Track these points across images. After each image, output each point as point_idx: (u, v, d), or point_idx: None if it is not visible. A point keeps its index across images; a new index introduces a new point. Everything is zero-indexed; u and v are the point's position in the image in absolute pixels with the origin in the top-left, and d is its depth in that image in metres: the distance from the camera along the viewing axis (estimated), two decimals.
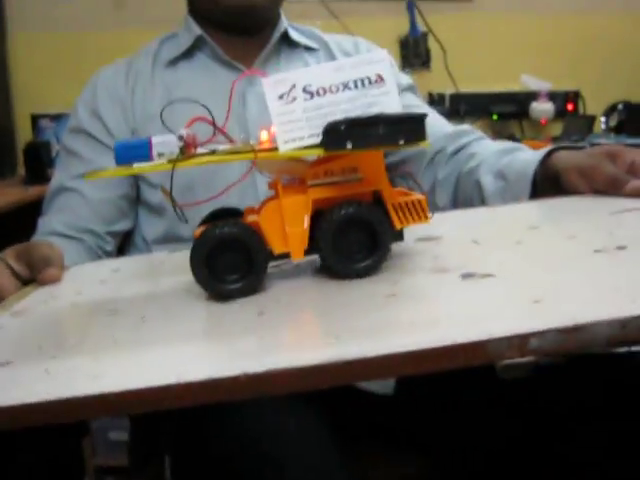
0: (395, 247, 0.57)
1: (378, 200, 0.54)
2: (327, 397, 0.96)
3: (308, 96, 0.52)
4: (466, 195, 0.96)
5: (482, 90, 2.25)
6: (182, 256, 0.77)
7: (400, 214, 0.54)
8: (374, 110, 0.52)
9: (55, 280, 0.69)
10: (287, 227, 0.54)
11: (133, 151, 0.50)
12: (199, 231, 0.53)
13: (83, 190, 0.97)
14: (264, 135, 0.53)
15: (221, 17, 0.99)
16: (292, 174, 0.56)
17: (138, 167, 0.50)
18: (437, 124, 1.05)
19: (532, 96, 2.34)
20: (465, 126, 1.03)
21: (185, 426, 0.95)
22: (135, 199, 1.01)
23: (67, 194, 0.98)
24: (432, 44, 2.03)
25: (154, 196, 0.99)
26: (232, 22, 1.00)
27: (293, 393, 0.39)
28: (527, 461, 0.89)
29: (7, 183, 2.01)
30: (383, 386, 1.00)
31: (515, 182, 0.84)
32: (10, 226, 1.66)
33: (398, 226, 0.54)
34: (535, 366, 0.72)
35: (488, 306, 0.44)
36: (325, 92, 0.52)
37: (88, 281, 0.71)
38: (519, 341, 0.37)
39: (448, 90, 2.26)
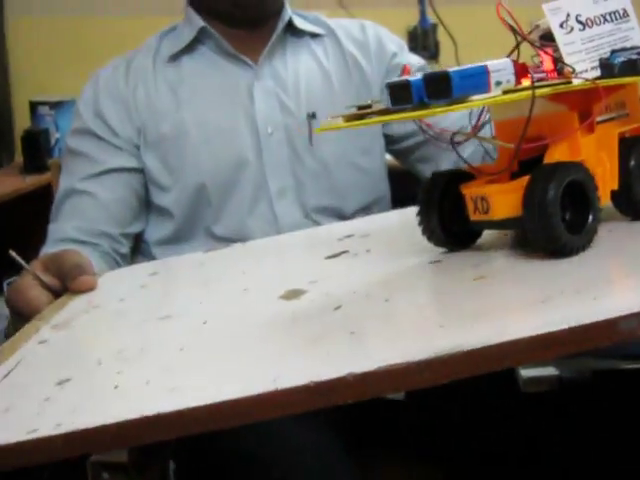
0: None
1: None
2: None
3: (581, 27, 0.50)
4: None
5: None
6: (222, 255, 0.72)
7: None
8: (629, 45, 0.50)
9: (91, 288, 0.65)
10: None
11: (470, 80, 0.43)
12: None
13: (94, 192, 0.94)
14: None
15: (227, 8, 0.96)
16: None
17: (477, 99, 0.43)
18: None
19: None
20: None
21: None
22: (145, 198, 0.98)
23: (77, 197, 0.95)
24: (442, 36, 1.99)
25: (164, 198, 0.96)
26: (238, 14, 0.96)
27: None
28: (543, 475, 0.86)
29: (4, 172, 1.97)
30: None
31: None
32: (8, 216, 1.63)
33: None
34: (559, 380, 0.69)
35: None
36: (592, 24, 0.50)
37: (127, 287, 0.67)
38: None
39: None
